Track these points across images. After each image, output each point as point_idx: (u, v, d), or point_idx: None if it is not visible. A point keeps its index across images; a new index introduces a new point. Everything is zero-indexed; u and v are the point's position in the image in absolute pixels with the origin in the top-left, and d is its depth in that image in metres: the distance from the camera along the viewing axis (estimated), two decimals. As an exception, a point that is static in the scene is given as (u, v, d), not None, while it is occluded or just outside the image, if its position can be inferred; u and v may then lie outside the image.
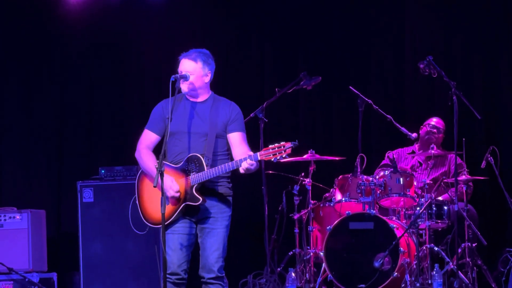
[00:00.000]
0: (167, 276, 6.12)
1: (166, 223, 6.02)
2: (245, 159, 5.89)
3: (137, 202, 6.31)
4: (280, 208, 9.05)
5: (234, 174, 6.28)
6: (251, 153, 5.93)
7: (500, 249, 8.70)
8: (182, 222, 6.16)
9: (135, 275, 8.64)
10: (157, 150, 6.22)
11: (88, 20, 10.33)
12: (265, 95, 9.44)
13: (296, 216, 8.84)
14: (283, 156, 5.80)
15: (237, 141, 6.18)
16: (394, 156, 8.99)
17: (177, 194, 6.05)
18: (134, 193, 8.50)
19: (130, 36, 10.41)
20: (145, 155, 6.24)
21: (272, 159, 5.82)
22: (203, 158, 6.05)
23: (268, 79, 10.19)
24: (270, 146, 5.85)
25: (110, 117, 10.36)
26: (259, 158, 5.87)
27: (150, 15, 10.35)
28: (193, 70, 6.19)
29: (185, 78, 6.14)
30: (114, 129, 10.32)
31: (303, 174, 8.86)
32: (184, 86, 6.18)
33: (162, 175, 5.88)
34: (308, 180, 8.73)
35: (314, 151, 8.76)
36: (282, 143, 5.81)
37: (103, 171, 8.92)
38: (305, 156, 8.77)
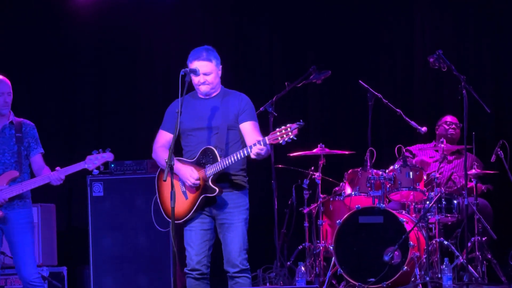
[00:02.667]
0: (188, 272, 6.23)
1: (185, 219, 6.17)
2: (254, 145, 5.93)
3: (158, 199, 6.35)
4: (289, 202, 9.07)
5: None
6: (260, 138, 5.97)
7: (510, 243, 8.69)
8: (199, 218, 6.22)
9: (145, 268, 8.65)
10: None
11: (97, 15, 10.34)
12: (275, 89, 9.43)
13: (305, 210, 8.85)
14: (290, 137, 5.81)
15: (248, 130, 6.22)
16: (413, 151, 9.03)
17: (197, 182, 6.11)
18: (144, 187, 8.57)
19: (140, 30, 10.41)
20: (161, 153, 6.29)
21: (281, 142, 5.84)
22: (216, 149, 6.11)
23: (277, 73, 10.20)
24: (277, 129, 5.87)
25: (120, 111, 10.37)
26: (267, 142, 5.89)
27: (160, 8, 10.35)
28: (211, 69, 6.21)
29: (195, 72, 6.15)
30: (124, 123, 10.33)
31: (312, 168, 8.87)
32: (205, 88, 6.22)
33: (171, 169, 5.91)
34: (317, 174, 8.73)
35: (323, 145, 8.77)
36: (288, 125, 5.83)
37: (112, 165, 8.92)
38: (314, 150, 8.78)
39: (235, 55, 10.22)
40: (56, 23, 10.36)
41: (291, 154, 8.83)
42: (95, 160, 6.73)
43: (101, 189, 8.79)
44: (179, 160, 6.24)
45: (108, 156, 6.75)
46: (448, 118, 9.21)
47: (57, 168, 6.76)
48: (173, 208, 5.87)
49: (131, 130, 10.31)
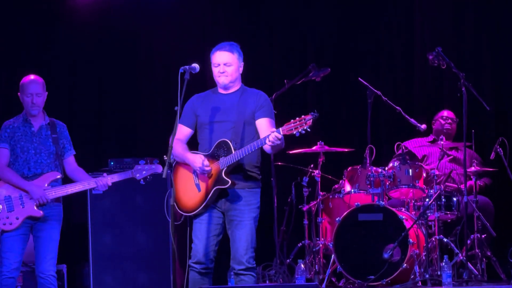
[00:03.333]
0: (192, 265, 6.22)
1: (197, 211, 6.20)
2: (268, 136, 5.92)
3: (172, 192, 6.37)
4: (289, 200, 9.07)
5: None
6: (274, 129, 5.96)
7: (510, 240, 8.69)
8: (210, 212, 6.24)
9: (145, 266, 8.63)
10: (191, 143, 6.42)
11: (97, 15, 10.33)
12: (274, 86, 9.43)
13: (305, 208, 8.85)
14: (305, 128, 5.80)
15: (264, 126, 6.24)
16: (408, 146, 9.01)
17: (208, 169, 6.12)
18: (143, 185, 8.52)
19: (140, 30, 10.40)
20: (176, 145, 6.23)
21: (295, 133, 5.84)
22: (231, 142, 6.14)
23: (277, 70, 10.20)
24: (292, 120, 5.87)
25: (120, 109, 10.35)
26: (281, 133, 5.89)
27: (160, 8, 10.34)
28: (232, 61, 6.27)
29: (194, 69, 6.14)
30: (123, 121, 10.32)
31: (312, 165, 8.88)
32: (223, 79, 6.27)
33: (170, 166, 5.92)
34: (317, 172, 8.74)
35: (323, 143, 8.78)
36: (302, 116, 5.83)
37: (112, 163, 8.91)
38: (314, 148, 8.79)
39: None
40: (56, 23, 10.36)
41: (291, 152, 8.83)
42: (143, 170, 6.90)
43: (100, 187, 8.78)
44: (192, 152, 6.27)
45: (156, 167, 6.93)
46: (445, 113, 9.21)
47: (104, 174, 6.93)
48: (172, 206, 5.89)
49: (131, 130, 10.29)
